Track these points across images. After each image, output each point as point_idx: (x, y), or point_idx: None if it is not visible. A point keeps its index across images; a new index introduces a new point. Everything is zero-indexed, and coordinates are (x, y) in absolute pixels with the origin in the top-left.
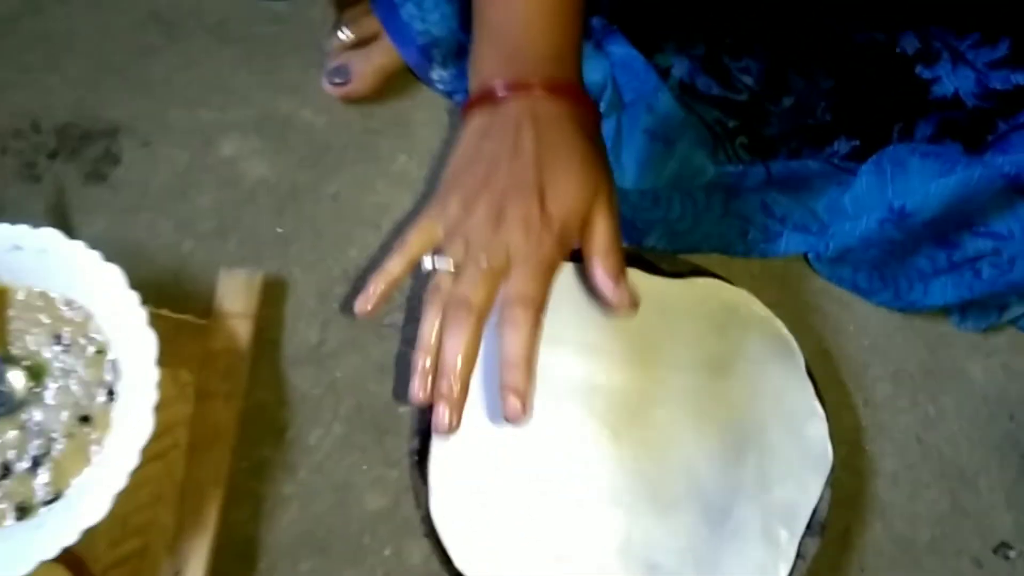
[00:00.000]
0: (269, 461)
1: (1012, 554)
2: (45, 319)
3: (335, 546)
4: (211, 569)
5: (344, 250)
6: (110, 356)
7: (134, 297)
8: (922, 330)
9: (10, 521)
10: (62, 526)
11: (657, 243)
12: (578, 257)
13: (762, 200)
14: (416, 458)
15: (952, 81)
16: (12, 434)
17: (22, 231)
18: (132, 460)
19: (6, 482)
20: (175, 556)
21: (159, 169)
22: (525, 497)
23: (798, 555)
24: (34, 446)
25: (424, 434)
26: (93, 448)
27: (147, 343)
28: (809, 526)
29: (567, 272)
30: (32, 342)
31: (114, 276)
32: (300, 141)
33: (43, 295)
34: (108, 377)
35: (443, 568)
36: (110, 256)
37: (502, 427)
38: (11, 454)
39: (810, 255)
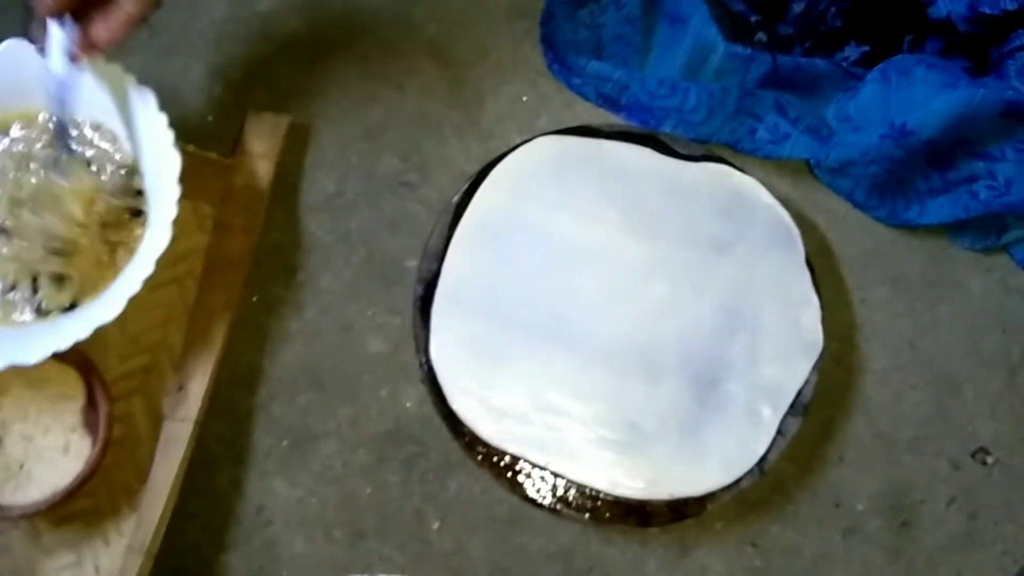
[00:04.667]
0: (279, 299)
1: (989, 459)
2: (73, 143)
3: (334, 383)
4: (213, 389)
5: (368, 108)
6: (135, 175)
7: (163, 119)
8: (926, 240)
9: (28, 318)
10: (77, 324)
11: (672, 131)
12: (587, 134)
13: (776, 100)
14: (420, 304)
15: (946, 4)
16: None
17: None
18: (148, 268)
19: (37, 295)
20: (180, 373)
21: (198, 16)
22: (520, 350)
23: (779, 432)
24: (56, 251)
25: (428, 283)
26: (117, 256)
27: (172, 162)
28: (792, 406)
29: (578, 144)
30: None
31: (146, 98)
32: (333, 3)
33: (73, 120)
34: (131, 196)
35: (435, 410)
36: None
37: (505, 282)
38: (37, 264)
39: (811, 161)
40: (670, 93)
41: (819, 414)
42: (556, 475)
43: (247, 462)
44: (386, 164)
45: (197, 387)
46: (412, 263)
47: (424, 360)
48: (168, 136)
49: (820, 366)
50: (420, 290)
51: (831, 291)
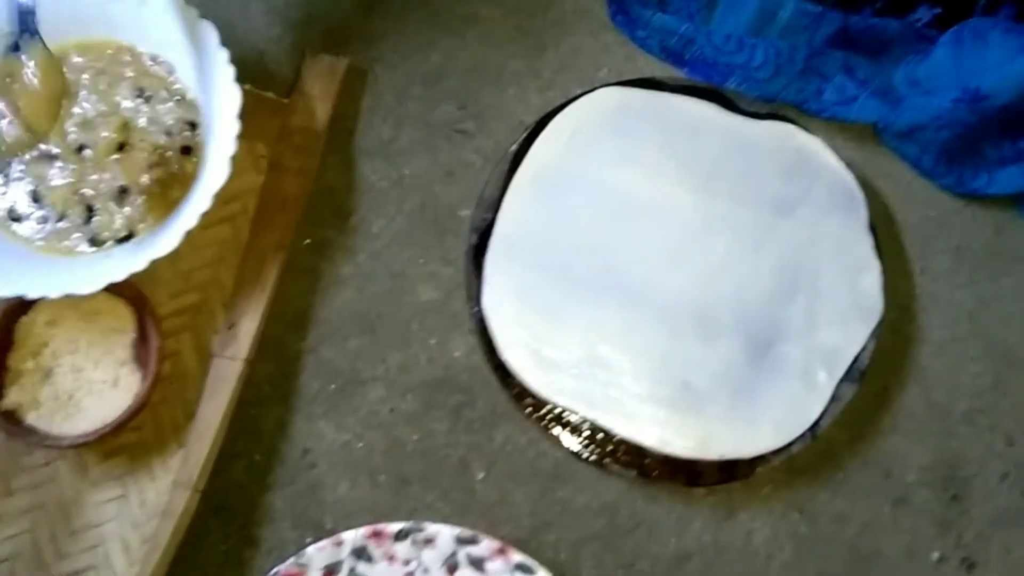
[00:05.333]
0: (331, 242)
1: None
2: (130, 72)
3: (384, 329)
4: (262, 330)
5: (426, 54)
6: (192, 108)
7: (224, 54)
8: (992, 211)
9: (83, 248)
10: (132, 256)
11: (738, 88)
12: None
13: (845, 60)
14: (473, 253)
15: None
16: (94, 177)
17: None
18: (205, 203)
19: (92, 224)
20: (230, 312)
21: None
22: (573, 303)
23: (833, 397)
24: (115, 185)
25: (483, 232)
26: (169, 191)
27: (232, 98)
28: (849, 372)
29: (640, 97)
30: (114, 94)
31: (208, 32)
32: None
33: (131, 50)
34: (188, 129)
35: (485, 360)
36: None
37: (560, 234)
38: (90, 194)
39: (879, 125)
40: (737, 49)
41: (874, 382)
42: (604, 430)
43: (294, 404)
44: (443, 111)
45: (247, 327)
46: (466, 212)
47: (475, 309)
48: (229, 71)
49: (877, 334)
50: (474, 239)
51: (891, 259)
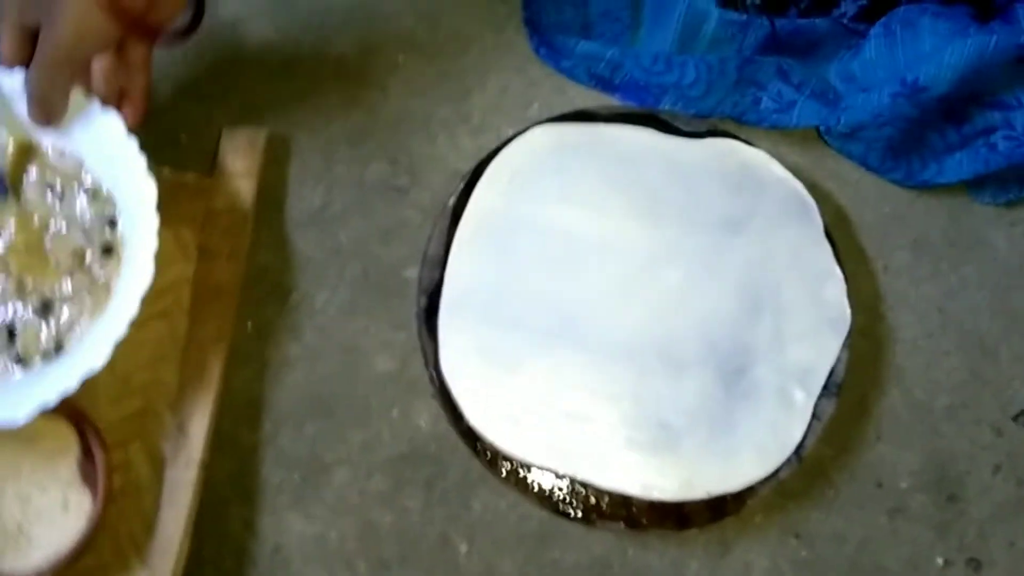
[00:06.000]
0: (273, 324)
1: None
2: (35, 169)
3: (341, 408)
4: (215, 426)
5: (349, 112)
6: (108, 203)
7: (133, 143)
8: (944, 199)
9: (12, 370)
10: (63, 375)
11: (672, 108)
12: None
13: (778, 65)
14: (424, 316)
15: None
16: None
17: (18, 77)
18: (133, 308)
19: (16, 346)
20: (178, 413)
21: None
22: (534, 354)
23: (814, 416)
24: (37, 298)
25: (432, 293)
26: (93, 299)
27: (147, 190)
28: (825, 387)
29: (575, 131)
30: (29, 191)
31: (113, 122)
32: (303, 3)
33: (31, 146)
34: (107, 227)
35: (452, 426)
36: None
37: (511, 284)
38: (14, 309)
39: (821, 128)
40: (666, 69)
41: (852, 392)
42: (585, 484)
43: (258, 500)
44: (374, 170)
45: (197, 426)
46: (411, 272)
47: (435, 375)
48: (140, 162)
49: (849, 343)
50: (424, 301)
51: (852, 261)
